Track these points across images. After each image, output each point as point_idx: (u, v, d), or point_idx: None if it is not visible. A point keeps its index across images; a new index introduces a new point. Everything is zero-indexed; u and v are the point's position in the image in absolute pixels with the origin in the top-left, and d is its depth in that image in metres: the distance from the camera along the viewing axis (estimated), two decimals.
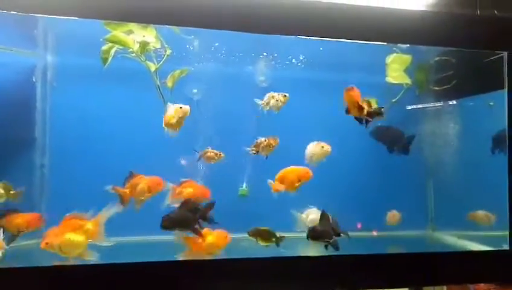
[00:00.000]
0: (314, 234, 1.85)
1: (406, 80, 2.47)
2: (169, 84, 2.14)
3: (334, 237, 1.88)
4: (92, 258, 1.67)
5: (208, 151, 2.22)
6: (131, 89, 2.26)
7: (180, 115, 1.93)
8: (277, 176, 2.08)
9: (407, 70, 2.45)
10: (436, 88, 2.53)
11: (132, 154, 2.25)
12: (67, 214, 1.71)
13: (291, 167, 2.09)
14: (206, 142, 2.29)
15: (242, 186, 2.40)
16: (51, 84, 2.29)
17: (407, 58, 2.44)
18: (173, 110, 1.95)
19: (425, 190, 2.61)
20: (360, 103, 2.01)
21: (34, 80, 2.27)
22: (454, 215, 2.45)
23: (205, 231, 1.88)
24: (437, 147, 2.58)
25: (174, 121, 1.92)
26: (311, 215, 2.19)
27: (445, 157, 2.55)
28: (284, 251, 1.95)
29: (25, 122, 2.26)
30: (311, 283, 1.78)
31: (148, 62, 2.05)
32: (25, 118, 2.26)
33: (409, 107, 2.58)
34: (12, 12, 1.66)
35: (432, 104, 2.60)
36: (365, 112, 2.03)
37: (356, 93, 2.00)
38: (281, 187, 2.06)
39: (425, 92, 2.59)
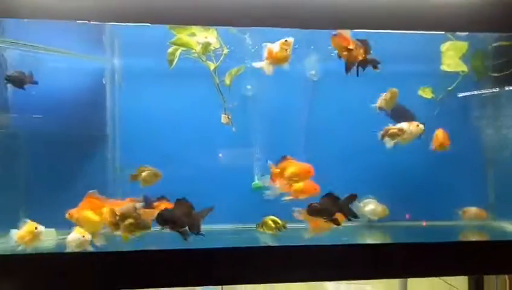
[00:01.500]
0: (310, 210, 1.89)
1: (462, 68, 2.43)
2: (227, 81, 2.25)
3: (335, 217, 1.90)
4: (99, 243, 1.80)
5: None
6: (193, 87, 2.39)
7: (287, 48, 1.97)
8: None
9: (464, 58, 2.41)
10: (496, 75, 2.46)
11: (195, 147, 2.39)
12: (90, 192, 1.86)
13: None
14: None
15: (254, 180, 2.42)
16: (119, 86, 2.49)
17: (463, 45, 2.39)
18: (278, 45, 1.98)
19: (485, 178, 2.56)
20: (350, 47, 1.95)
21: (104, 82, 2.48)
22: None
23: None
24: (498, 135, 2.51)
25: (283, 53, 1.96)
26: (369, 205, 2.23)
27: (506, 146, 2.49)
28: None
29: (97, 120, 2.47)
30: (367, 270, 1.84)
31: (208, 62, 2.17)
32: (97, 116, 2.48)
33: (466, 95, 2.54)
34: (85, 22, 1.83)
35: (490, 91, 2.54)
36: (358, 57, 1.98)
37: (343, 38, 1.95)
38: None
39: (484, 79, 2.52)
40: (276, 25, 1.94)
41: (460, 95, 2.49)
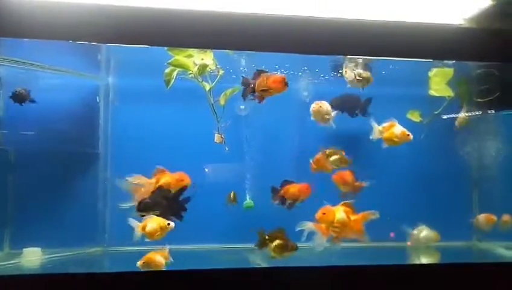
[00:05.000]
0: (140, 207, 1.94)
1: (448, 93, 2.53)
2: (222, 102, 2.28)
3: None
4: None
5: None
6: (188, 106, 2.42)
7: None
8: None
9: (450, 83, 2.51)
10: (480, 100, 2.56)
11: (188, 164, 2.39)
12: None
13: None
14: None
15: (246, 200, 2.46)
16: (113, 104, 2.51)
17: (449, 71, 2.50)
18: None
19: (470, 200, 2.63)
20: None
21: (98, 100, 2.49)
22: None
23: None
24: (482, 157, 2.60)
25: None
26: (424, 231, 2.36)
27: (490, 168, 2.57)
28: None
29: (90, 138, 2.48)
30: None
31: (204, 82, 2.21)
32: (90, 134, 2.48)
33: (451, 118, 2.63)
34: (85, 42, 1.82)
35: (475, 116, 2.63)
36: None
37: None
38: None
39: (469, 104, 2.61)
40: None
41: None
